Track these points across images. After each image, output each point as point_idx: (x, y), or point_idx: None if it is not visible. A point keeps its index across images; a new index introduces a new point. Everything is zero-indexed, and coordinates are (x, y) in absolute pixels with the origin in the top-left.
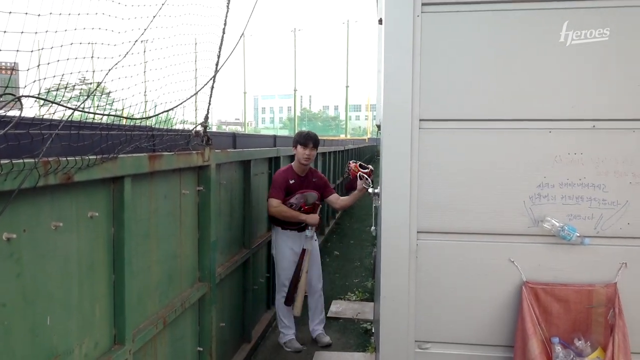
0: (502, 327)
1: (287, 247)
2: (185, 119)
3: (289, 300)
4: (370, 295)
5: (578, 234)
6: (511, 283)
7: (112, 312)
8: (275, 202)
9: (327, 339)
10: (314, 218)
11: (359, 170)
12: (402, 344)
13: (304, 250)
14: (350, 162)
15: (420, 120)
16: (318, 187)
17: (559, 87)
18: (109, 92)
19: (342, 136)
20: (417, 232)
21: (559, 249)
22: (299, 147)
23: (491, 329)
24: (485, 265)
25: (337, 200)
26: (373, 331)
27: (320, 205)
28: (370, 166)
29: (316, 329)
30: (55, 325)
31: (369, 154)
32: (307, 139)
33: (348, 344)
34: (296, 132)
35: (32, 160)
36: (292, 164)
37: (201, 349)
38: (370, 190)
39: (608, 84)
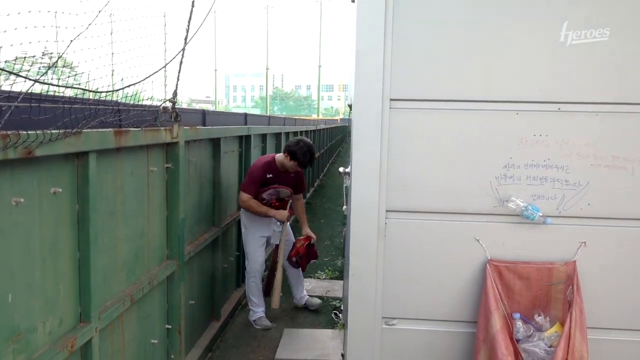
0: (466, 304)
1: (255, 229)
2: (154, 95)
3: (267, 292)
4: (340, 273)
5: (541, 214)
6: (476, 261)
7: (77, 289)
8: (245, 197)
9: (317, 301)
10: (282, 214)
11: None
12: (369, 320)
13: (277, 246)
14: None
15: (391, 100)
16: (294, 182)
17: (526, 69)
18: (72, 64)
19: (314, 116)
20: (386, 211)
21: (523, 228)
22: (292, 160)
23: (456, 305)
24: (451, 243)
25: (299, 203)
26: (342, 308)
27: (290, 201)
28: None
29: (303, 296)
30: (17, 303)
31: (340, 134)
32: (305, 165)
33: (317, 321)
34: (295, 140)
35: None
36: (277, 156)
37: (169, 327)
38: (341, 169)
39: (571, 69)
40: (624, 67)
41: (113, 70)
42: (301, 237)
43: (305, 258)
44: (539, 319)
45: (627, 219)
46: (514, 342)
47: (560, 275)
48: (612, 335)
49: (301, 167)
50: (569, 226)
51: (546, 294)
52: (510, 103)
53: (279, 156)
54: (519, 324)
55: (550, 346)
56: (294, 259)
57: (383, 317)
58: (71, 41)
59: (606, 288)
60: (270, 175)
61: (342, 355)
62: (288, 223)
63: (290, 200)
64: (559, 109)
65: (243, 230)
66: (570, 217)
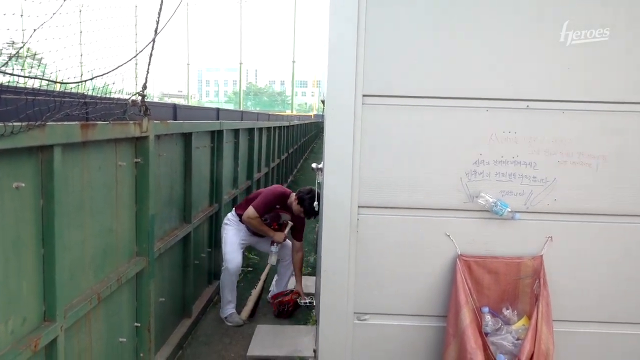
0: (437, 298)
1: (237, 233)
2: (124, 89)
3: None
4: (313, 269)
5: (509, 210)
6: (446, 256)
7: (41, 287)
8: (253, 214)
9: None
10: (280, 236)
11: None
12: (341, 315)
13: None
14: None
15: (364, 95)
16: (295, 223)
17: (496, 67)
18: (35, 54)
19: (288, 112)
20: (358, 206)
21: (492, 224)
22: (299, 205)
23: (427, 300)
24: (422, 239)
25: (298, 256)
26: (314, 304)
27: (288, 225)
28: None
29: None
30: None
31: (314, 130)
32: (309, 214)
33: (290, 316)
34: (308, 188)
35: None
36: (292, 194)
37: (139, 325)
38: (313, 165)
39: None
40: (606, 66)
41: (82, 63)
42: (295, 291)
43: (290, 310)
44: (507, 312)
45: (590, 214)
46: (483, 335)
47: (528, 270)
48: (577, 328)
49: (306, 215)
50: (536, 221)
51: (514, 288)
52: (481, 100)
53: (292, 195)
54: (488, 317)
55: (518, 339)
56: (280, 307)
57: (355, 313)
58: (34, 30)
59: (571, 282)
60: (279, 207)
61: (314, 350)
62: (284, 243)
63: (289, 224)
64: (528, 106)
65: (224, 231)
66: (538, 213)
